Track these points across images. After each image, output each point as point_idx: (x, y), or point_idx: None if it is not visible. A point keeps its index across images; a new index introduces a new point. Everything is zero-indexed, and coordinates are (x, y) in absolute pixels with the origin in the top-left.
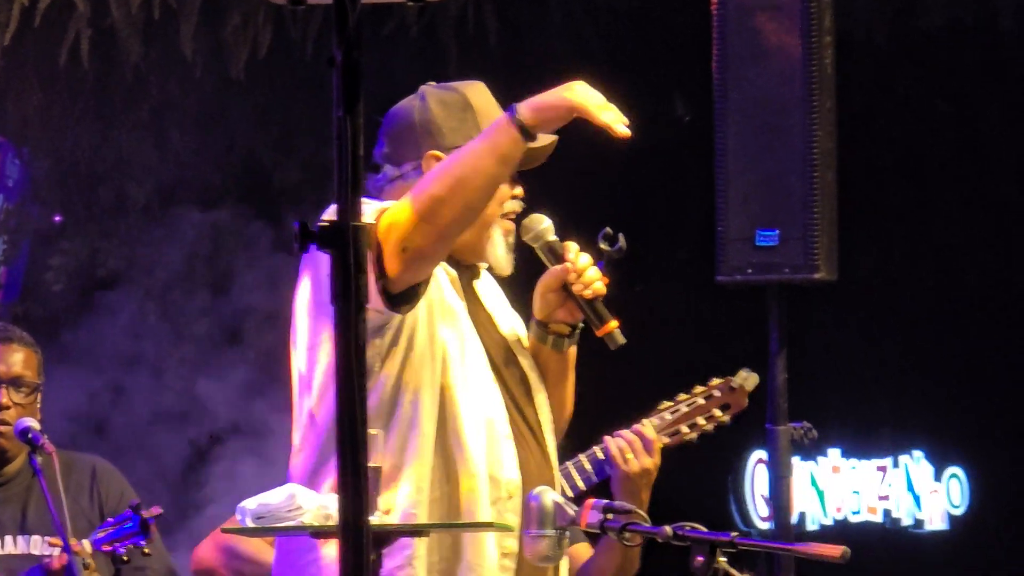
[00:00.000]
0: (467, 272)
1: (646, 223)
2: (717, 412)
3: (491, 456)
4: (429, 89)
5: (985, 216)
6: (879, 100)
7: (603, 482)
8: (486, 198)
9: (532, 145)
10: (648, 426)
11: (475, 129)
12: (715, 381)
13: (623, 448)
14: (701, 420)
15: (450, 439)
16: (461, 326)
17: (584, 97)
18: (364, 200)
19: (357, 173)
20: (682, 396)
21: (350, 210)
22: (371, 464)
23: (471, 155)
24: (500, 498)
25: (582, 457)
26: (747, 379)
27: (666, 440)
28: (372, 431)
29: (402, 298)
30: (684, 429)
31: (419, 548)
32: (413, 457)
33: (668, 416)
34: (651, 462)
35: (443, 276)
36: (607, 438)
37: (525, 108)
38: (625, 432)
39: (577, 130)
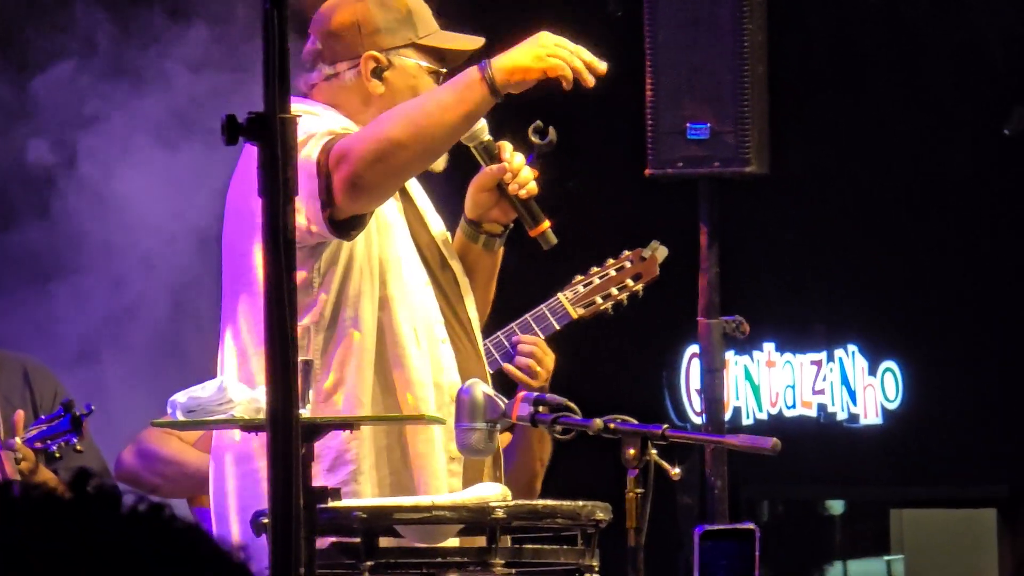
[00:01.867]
0: None
1: (577, 117)
2: (630, 282)
3: (433, 363)
4: None
5: (918, 108)
6: None
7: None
8: (445, 148)
9: (456, 47)
10: (564, 301)
11: (412, 31)
12: (626, 253)
13: (531, 365)
14: (614, 290)
15: (390, 351)
16: (397, 235)
17: (557, 62)
18: (311, 111)
19: (285, 65)
20: (594, 269)
21: (277, 102)
22: (302, 358)
23: (436, 105)
24: (444, 403)
25: (499, 336)
26: (657, 249)
27: (581, 311)
28: (302, 323)
29: (348, 224)
30: (598, 300)
31: (363, 463)
32: (355, 372)
33: (581, 288)
34: (551, 361)
35: None
36: (506, 335)
37: (499, 70)
38: (520, 352)
39: (504, 30)
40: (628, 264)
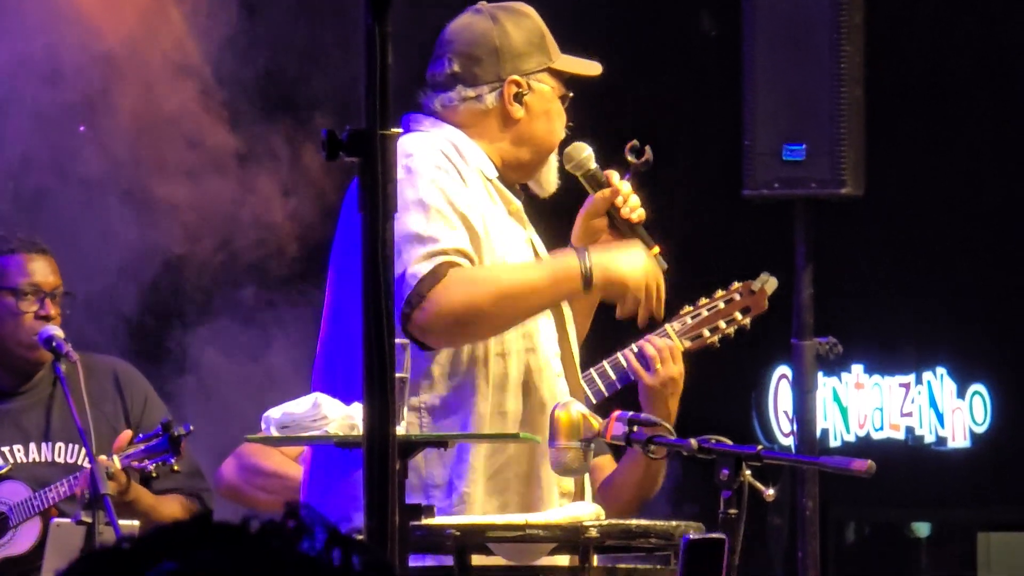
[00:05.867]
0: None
1: (673, 138)
2: (738, 315)
3: (549, 398)
4: (495, 10)
5: (1012, 132)
6: (906, 16)
7: (627, 388)
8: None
9: (584, 73)
10: (671, 333)
11: (546, 56)
12: (736, 285)
13: (652, 357)
14: (722, 324)
15: (512, 388)
16: None
17: (644, 295)
18: (437, 147)
19: (386, 81)
20: (703, 300)
21: (378, 118)
22: (398, 375)
23: (529, 286)
24: None
25: (605, 364)
26: (767, 282)
27: (688, 344)
28: (399, 341)
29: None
30: (706, 333)
31: (475, 495)
32: (475, 409)
33: (689, 320)
34: (677, 370)
35: (512, 225)
36: (629, 349)
37: (599, 271)
38: (648, 342)
39: (603, 49)
40: (737, 297)
